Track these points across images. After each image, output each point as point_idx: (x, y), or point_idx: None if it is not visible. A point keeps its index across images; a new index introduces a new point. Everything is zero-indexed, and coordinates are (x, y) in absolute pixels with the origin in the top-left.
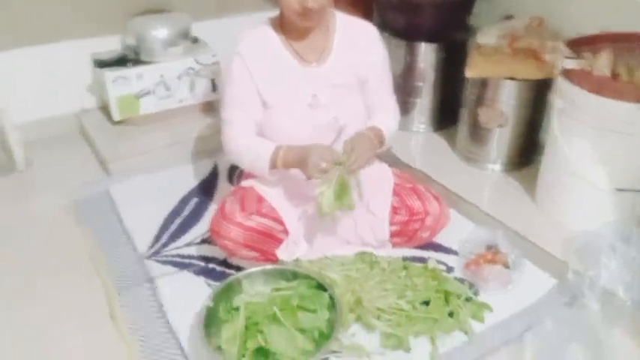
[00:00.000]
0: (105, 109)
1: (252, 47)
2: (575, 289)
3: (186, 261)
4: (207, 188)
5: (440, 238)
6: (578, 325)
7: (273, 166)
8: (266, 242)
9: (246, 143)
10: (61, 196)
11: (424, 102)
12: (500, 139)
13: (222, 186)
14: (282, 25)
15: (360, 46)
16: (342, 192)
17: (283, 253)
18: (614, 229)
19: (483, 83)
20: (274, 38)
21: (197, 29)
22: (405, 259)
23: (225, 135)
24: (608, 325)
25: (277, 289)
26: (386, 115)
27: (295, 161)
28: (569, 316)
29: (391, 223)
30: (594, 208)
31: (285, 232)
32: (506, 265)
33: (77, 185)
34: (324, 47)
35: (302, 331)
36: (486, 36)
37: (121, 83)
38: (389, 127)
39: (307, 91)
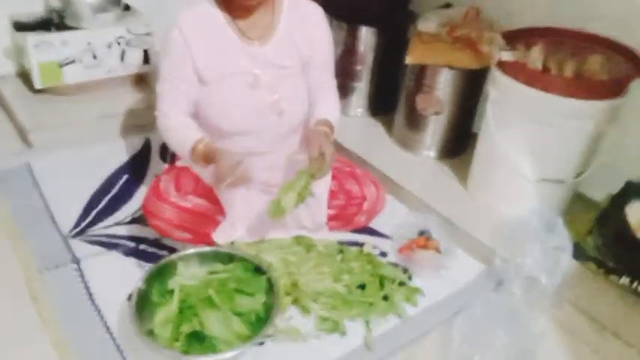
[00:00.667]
0: (24, 75)
1: (192, 21)
2: (502, 275)
3: (115, 241)
4: (138, 165)
5: (374, 223)
6: (503, 310)
7: (192, 156)
8: (201, 224)
9: (175, 123)
10: None
11: (363, 86)
12: (436, 127)
13: (155, 163)
14: (225, 1)
15: (306, 26)
16: (303, 194)
17: (220, 235)
18: (539, 217)
19: (422, 70)
20: (217, 14)
21: None
22: (340, 243)
23: (158, 110)
24: (530, 310)
25: (213, 272)
26: (331, 104)
27: (208, 159)
28: (496, 301)
29: (328, 207)
30: (522, 197)
31: (222, 213)
32: (438, 251)
33: None
34: (269, 26)
35: (239, 314)
36: (427, 23)
37: (43, 49)
38: (335, 117)
39: (248, 70)
